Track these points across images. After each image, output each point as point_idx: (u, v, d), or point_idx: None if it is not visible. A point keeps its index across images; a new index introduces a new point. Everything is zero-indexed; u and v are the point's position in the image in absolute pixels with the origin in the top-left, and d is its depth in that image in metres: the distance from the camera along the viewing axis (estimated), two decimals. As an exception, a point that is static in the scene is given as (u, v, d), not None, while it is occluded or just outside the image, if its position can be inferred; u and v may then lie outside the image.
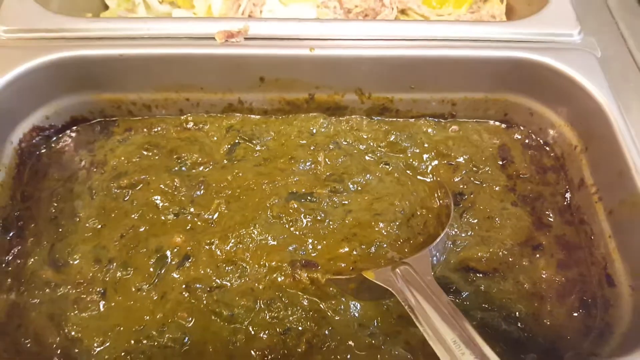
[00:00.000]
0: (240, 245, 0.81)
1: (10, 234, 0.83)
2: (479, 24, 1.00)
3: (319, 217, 0.86)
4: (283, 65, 0.91)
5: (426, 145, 0.97)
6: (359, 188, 0.90)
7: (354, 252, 0.82)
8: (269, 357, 0.72)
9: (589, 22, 0.96)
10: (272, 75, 0.93)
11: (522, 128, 1.00)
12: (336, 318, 0.76)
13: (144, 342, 0.73)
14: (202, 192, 0.88)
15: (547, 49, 0.91)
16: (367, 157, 0.96)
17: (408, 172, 0.94)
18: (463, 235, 0.86)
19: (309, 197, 0.88)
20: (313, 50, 0.90)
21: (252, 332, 0.74)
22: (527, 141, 0.98)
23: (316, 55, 0.90)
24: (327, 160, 0.94)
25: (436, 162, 0.95)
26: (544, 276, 0.82)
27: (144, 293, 0.77)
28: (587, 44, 0.93)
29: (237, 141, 0.95)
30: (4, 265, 0.80)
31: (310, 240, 0.83)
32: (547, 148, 0.97)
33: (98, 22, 0.92)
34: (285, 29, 0.91)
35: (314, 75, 0.94)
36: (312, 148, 0.95)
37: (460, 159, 0.95)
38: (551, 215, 0.89)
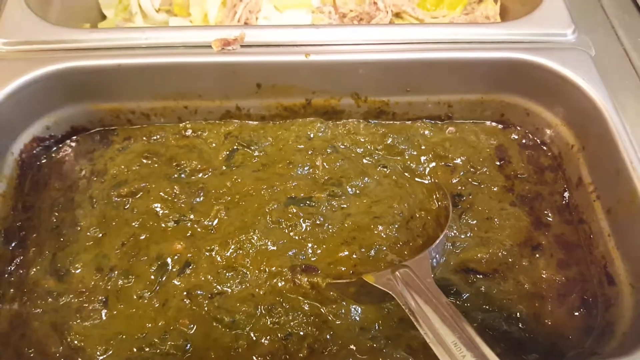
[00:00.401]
0: (240, 251, 0.81)
1: (12, 244, 0.83)
2: (473, 25, 1.00)
3: (318, 222, 0.85)
4: (279, 71, 0.91)
5: (423, 147, 0.97)
6: (358, 191, 0.90)
7: (354, 256, 0.81)
8: (271, 362, 0.72)
9: (583, 21, 0.96)
10: (269, 81, 0.92)
11: (518, 128, 0.99)
12: (337, 322, 0.75)
13: (147, 349, 0.73)
14: (201, 198, 0.88)
15: (541, 49, 0.91)
16: (364, 161, 0.95)
17: (406, 174, 0.94)
18: (462, 236, 0.85)
19: (307, 202, 0.88)
20: (309, 56, 0.89)
21: (254, 338, 0.74)
22: (524, 141, 0.98)
23: (312, 60, 0.90)
24: (325, 164, 0.93)
25: (434, 164, 0.95)
26: (544, 276, 0.82)
27: (146, 301, 0.77)
28: (581, 43, 0.93)
29: (235, 147, 0.95)
30: (6, 275, 0.80)
31: (309, 245, 0.83)
32: (544, 148, 0.97)
33: (96, 33, 0.92)
34: (280, 36, 0.91)
35: (310, 81, 0.93)
36: (309, 152, 0.95)
37: (458, 160, 0.95)
38: (550, 214, 0.89)
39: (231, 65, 0.89)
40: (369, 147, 0.97)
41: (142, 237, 0.82)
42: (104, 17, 1.18)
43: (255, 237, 0.83)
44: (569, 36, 0.93)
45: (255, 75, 0.91)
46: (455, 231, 0.85)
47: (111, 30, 0.98)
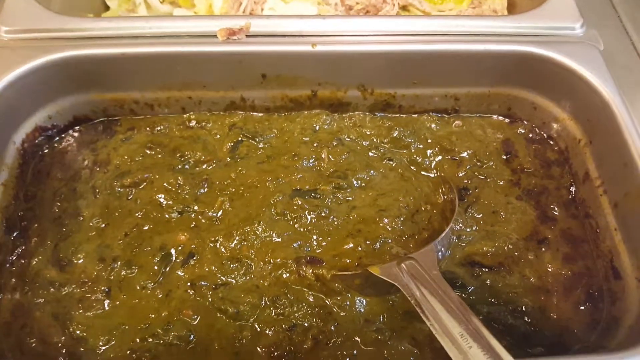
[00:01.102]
0: (245, 243, 0.81)
1: (14, 234, 0.83)
2: (481, 18, 1.01)
3: (323, 214, 0.86)
4: (285, 62, 0.91)
5: (429, 140, 0.97)
6: (363, 184, 0.90)
7: (359, 248, 0.81)
8: (275, 353, 0.72)
9: (591, 15, 0.96)
10: (274, 72, 0.93)
11: (525, 122, 0.99)
12: (342, 314, 0.76)
13: (150, 340, 0.73)
14: (205, 190, 0.88)
15: (549, 43, 0.91)
16: (370, 154, 0.95)
17: (412, 167, 0.94)
18: (468, 230, 0.85)
19: (312, 194, 0.88)
20: (315, 46, 0.89)
21: (258, 329, 0.74)
22: (530, 135, 0.98)
23: (318, 51, 0.90)
24: (330, 156, 0.94)
25: (440, 157, 0.95)
26: (549, 270, 0.82)
27: (149, 291, 0.77)
28: (589, 37, 0.93)
29: (240, 139, 0.95)
30: (8, 265, 0.80)
31: (314, 237, 0.83)
32: (551, 142, 0.97)
33: (100, 22, 0.92)
34: (286, 26, 0.91)
35: (316, 72, 0.94)
36: (315, 145, 0.95)
37: (464, 154, 0.95)
38: (556, 209, 0.89)
39: (236, 55, 0.89)
40: (374, 140, 0.97)
41: (146, 228, 0.83)
42: (107, 7, 1.18)
43: (260, 229, 0.83)
44: (577, 30, 0.93)
45: (260, 65, 0.92)
46: (461, 224, 0.86)
47: (115, 19, 0.98)
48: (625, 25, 0.98)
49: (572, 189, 0.92)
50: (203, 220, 0.84)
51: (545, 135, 0.98)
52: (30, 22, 0.89)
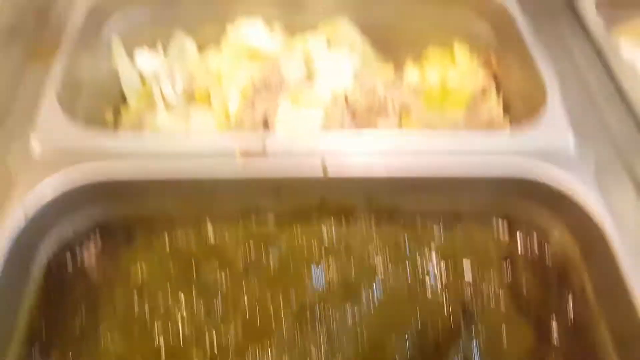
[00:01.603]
0: (257, 366, 0.80)
1: (36, 353, 0.81)
2: (476, 134, 1.01)
3: (330, 330, 0.84)
4: (298, 180, 0.91)
5: (433, 250, 0.96)
6: (370, 297, 0.89)
7: (368, 370, 0.80)
8: None
9: (584, 132, 0.95)
10: (288, 188, 0.92)
11: (524, 235, 0.98)
12: None
13: None
14: (220, 304, 0.86)
15: (542, 162, 0.90)
16: (375, 262, 0.94)
17: (417, 277, 0.93)
18: (472, 351, 0.84)
19: (320, 307, 0.87)
20: (325, 164, 0.90)
21: None
22: (529, 248, 0.97)
23: (328, 166, 0.90)
24: (337, 266, 0.93)
25: (443, 265, 0.94)
26: (553, 397, 0.80)
27: None
28: (582, 156, 0.92)
29: (253, 250, 0.94)
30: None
31: (323, 354, 0.81)
32: (549, 256, 0.96)
33: (125, 139, 0.93)
34: (300, 144, 0.92)
35: (326, 186, 0.94)
36: (322, 254, 0.94)
37: (466, 265, 0.94)
38: (555, 328, 0.87)
39: (254, 175, 0.89)
40: (380, 249, 0.96)
41: (163, 349, 0.81)
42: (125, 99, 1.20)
43: (272, 348, 0.81)
44: (570, 149, 0.93)
45: (275, 183, 0.92)
46: (464, 348, 0.84)
47: (139, 137, 0.99)
48: (618, 144, 0.97)
49: (570, 303, 0.90)
50: (216, 340, 0.82)
51: (544, 248, 0.97)
52: (60, 140, 0.89)
